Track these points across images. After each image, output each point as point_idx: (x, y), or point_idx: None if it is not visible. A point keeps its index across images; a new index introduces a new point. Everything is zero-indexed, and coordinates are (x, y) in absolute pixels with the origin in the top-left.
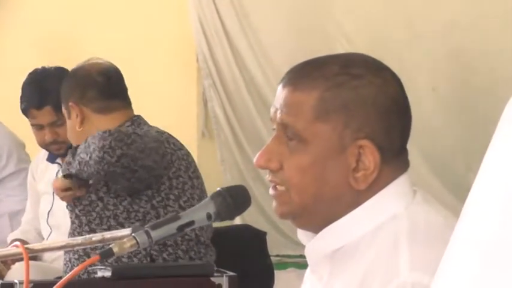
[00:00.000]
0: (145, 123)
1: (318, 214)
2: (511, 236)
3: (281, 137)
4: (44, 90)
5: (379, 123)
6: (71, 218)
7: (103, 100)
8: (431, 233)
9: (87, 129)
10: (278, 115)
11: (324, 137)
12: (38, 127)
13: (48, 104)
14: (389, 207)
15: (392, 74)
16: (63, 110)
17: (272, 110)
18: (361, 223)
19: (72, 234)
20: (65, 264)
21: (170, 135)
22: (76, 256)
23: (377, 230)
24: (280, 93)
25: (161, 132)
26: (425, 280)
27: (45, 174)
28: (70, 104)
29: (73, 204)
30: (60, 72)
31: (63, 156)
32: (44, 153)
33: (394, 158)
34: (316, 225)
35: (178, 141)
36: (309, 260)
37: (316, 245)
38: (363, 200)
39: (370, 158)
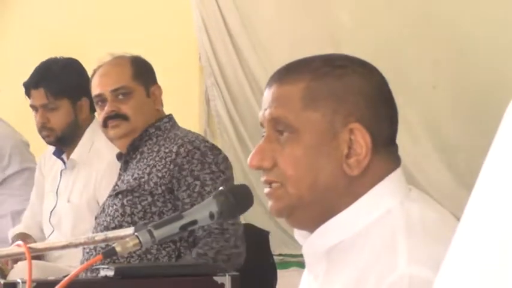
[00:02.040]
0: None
1: (314, 205)
2: None
3: (271, 135)
4: (44, 72)
5: (367, 109)
6: (115, 205)
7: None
8: (428, 228)
9: (159, 113)
10: (267, 112)
11: (315, 124)
12: (33, 108)
13: (43, 86)
14: (384, 202)
15: (375, 68)
16: (141, 88)
17: (260, 113)
18: (356, 219)
19: (111, 221)
20: (85, 255)
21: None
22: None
23: (372, 226)
24: (267, 94)
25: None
26: (423, 273)
27: (51, 171)
28: (156, 85)
29: (125, 194)
30: (66, 61)
31: (54, 144)
32: (51, 149)
33: (385, 148)
34: (313, 219)
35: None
36: (306, 259)
37: (312, 243)
38: (357, 187)
39: (362, 142)
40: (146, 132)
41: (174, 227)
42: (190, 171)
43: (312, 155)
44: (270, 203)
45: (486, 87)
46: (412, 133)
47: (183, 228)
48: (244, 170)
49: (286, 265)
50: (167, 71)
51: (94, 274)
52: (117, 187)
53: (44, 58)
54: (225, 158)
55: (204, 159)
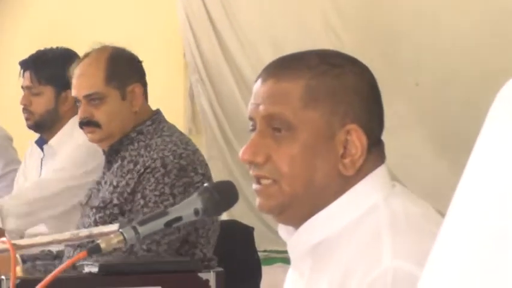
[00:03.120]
0: (165, 120)
1: (307, 203)
2: (500, 226)
3: (265, 130)
4: (36, 57)
5: (362, 109)
6: (89, 219)
7: (145, 83)
8: (412, 222)
9: (138, 115)
10: (261, 108)
11: (313, 124)
12: (22, 89)
13: (30, 69)
14: (368, 198)
15: (366, 66)
16: (115, 92)
17: (251, 107)
18: (341, 215)
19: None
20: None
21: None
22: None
23: (357, 222)
24: (260, 88)
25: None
26: (406, 267)
27: (36, 161)
28: (134, 85)
29: (98, 209)
30: (63, 52)
31: (33, 129)
32: (36, 139)
33: (375, 147)
34: (303, 216)
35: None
36: (291, 255)
37: (297, 240)
38: (351, 187)
39: (357, 143)
40: (127, 137)
41: (158, 224)
42: (143, 189)
43: (309, 154)
44: (259, 200)
45: (469, 84)
46: (396, 129)
47: (168, 224)
48: (228, 166)
49: (270, 261)
50: (151, 67)
51: (78, 270)
52: (92, 193)
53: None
54: (189, 183)
55: (163, 179)
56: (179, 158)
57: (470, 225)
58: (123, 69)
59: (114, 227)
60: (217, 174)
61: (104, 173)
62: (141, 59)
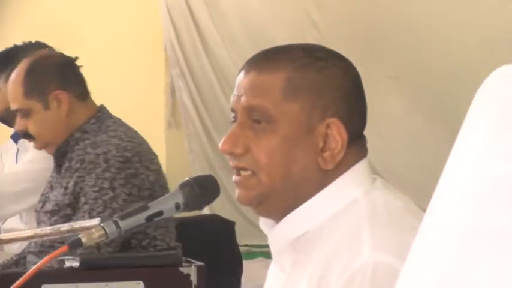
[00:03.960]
0: (110, 116)
1: (286, 195)
2: (479, 224)
3: (245, 122)
4: (7, 55)
5: (343, 104)
6: (45, 224)
7: (81, 84)
8: (391, 215)
9: (73, 118)
10: (243, 100)
11: (293, 116)
12: None
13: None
14: (349, 192)
15: (350, 61)
16: (36, 104)
17: (233, 99)
18: (321, 209)
19: (45, 240)
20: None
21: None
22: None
23: (338, 216)
24: (242, 80)
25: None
26: (386, 259)
27: (12, 157)
28: (55, 92)
29: (52, 213)
30: (18, 49)
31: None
32: (12, 134)
33: (356, 142)
34: (282, 209)
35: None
36: (272, 249)
37: (278, 233)
38: (330, 181)
39: (338, 137)
40: (72, 138)
41: (140, 218)
42: (85, 186)
43: (288, 146)
44: (238, 191)
45: (450, 78)
46: (377, 122)
47: (149, 219)
48: (209, 160)
49: (251, 255)
50: (132, 61)
51: (59, 265)
52: (46, 198)
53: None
54: (133, 175)
55: (103, 174)
56: (123, 150)
57: (449, 221)
58: (41, 79)
59: (95, 221)
60: (198, 168)
61: (54, 177)
62: (121, 53)
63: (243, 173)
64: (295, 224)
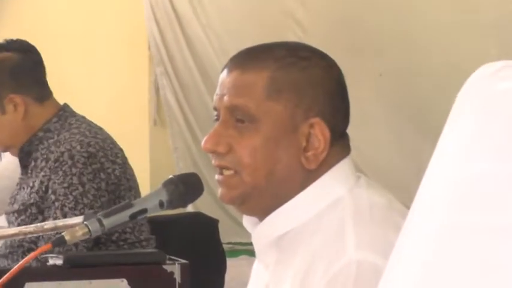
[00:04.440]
0: (73, 114)
1: (269, 195)
2: (459, 227)
3: (228, 121)
4: None
5: (326, 103)
6: (13, 224)
7: (39, 86)
8: (376, 214)
9: (31, 120)
10: (225, 99)
11: (276, 116)
12: None
13: None
14: (333, 190)
15: (334, 60)
16: None
17: (216, 97)
18: (305, 207)
19: (14, 240)
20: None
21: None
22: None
23: (322, 214)
24: (225, 79)
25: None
26: (370, 258)
27: None
28: (10, 96)
29: (19, 213)
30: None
31: None
32: None
33: (339, 141)
34: (265, 208)
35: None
36: (256, 247)
37: (262, 231)
38: (313, 180)
39: (321, 137)
40: (35, 137)
41: (123, 216)
42: (53, 184)
43: (270, 145)
44: (221, 190)
45: (433, 75)
46: (360, 119)
47: (133, 216)
48: (194, 159)
49: (235, 253)
50: (116, 59)
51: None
52: (14, 200)
53: None
54: (99, 169)
55: (70, 170)
56: (87, 146)
57: (430, 220)
58: None
59: (79, 219)
60: (183, 166)
61: (21, 179)
62: (105, 51)
63: (226, 172)
64: (278, 222)
